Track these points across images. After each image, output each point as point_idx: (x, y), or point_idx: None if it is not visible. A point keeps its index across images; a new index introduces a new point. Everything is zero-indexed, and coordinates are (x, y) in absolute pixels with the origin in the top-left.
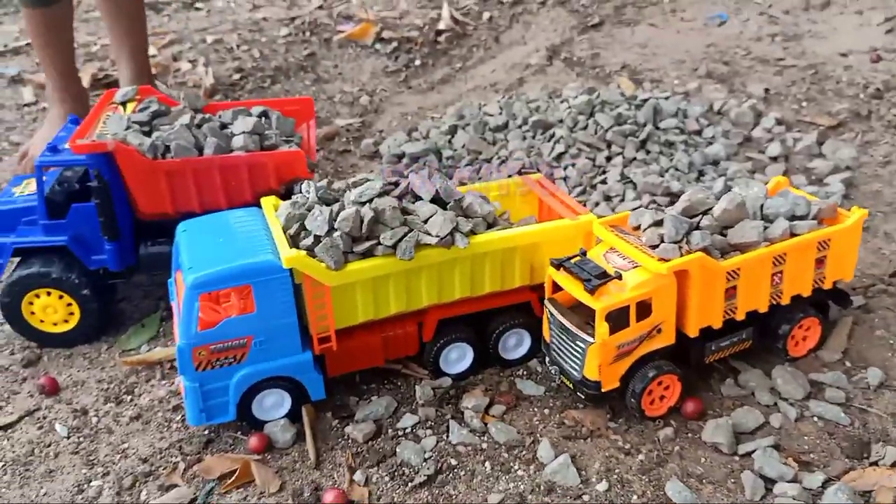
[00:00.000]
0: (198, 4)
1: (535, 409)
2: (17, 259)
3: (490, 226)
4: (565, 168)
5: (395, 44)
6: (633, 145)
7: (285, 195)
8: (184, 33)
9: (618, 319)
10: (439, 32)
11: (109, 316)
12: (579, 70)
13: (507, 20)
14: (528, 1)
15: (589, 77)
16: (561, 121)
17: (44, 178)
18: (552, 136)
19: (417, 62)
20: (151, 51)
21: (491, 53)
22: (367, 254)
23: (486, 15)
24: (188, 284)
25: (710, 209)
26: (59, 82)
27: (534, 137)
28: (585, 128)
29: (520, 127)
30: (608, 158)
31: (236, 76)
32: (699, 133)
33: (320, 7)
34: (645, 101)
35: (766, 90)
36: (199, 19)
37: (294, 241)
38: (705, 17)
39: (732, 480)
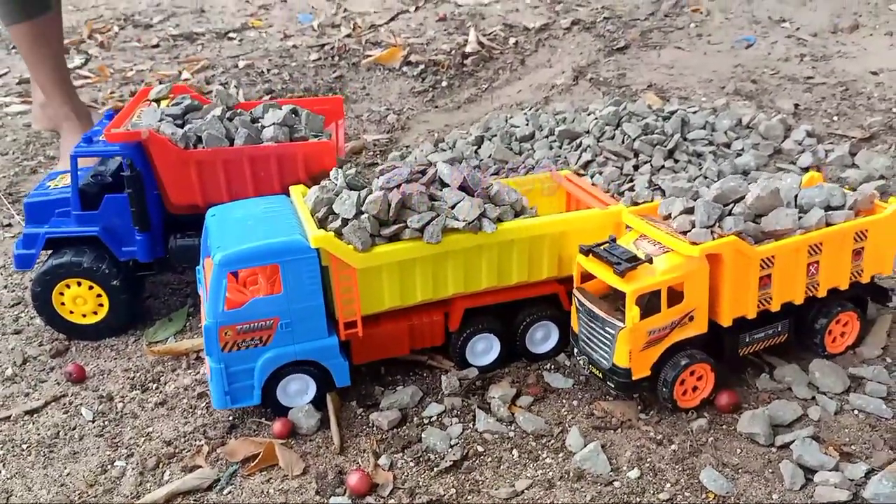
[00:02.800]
0: (230, 35)
1: (564, 401)
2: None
3: (518, 214)
4: (592, 176)
5: (421, 66)
6: (660, 154)
7: None
8: (216, 60)
9: (649, 304)
10: (466, 56)
11: (137, 310)
12: (605, 90)
13: (533, 45)
14: (553, 27)
15: (615, 96)
16: (587, 131)
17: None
18: (579, 144)
19: (444, 83)
20: (184, 75)
21: (517, 75)
22: (395, 238)
23: (511, 40)
24: (217, 262)
25: (743, 197)
26: (61, 95)
27: (560, 147)
28: (612, 137)
29: (546, 137)
30: (636, 167)
31: (266, 97)
32: (728, 146)
33: (349, 35)
34: (672, 112)
35: (796, 105)
36: (231, 48)
37: (322, 224)
38: (732, 40)
39: (770, 471)
